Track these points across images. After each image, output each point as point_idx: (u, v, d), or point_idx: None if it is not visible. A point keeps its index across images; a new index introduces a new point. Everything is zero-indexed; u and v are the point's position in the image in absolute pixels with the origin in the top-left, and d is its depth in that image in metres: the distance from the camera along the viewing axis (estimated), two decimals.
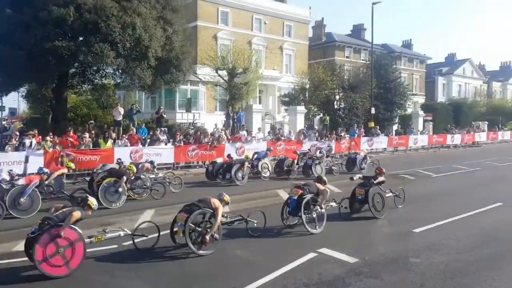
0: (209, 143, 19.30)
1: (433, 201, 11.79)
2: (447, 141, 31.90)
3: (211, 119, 27.60)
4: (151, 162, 13.54)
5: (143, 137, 18.56)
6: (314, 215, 8.26)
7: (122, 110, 19.90)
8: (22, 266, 6.34)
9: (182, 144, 18.59)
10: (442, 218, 9.33)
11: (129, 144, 17.38)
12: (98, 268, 6.37)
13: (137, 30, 17.60)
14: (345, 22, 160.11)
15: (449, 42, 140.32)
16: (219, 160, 16.18)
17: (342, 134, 26.16)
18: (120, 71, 20.31)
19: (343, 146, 25.11)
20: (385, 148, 28.22)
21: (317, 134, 25.61)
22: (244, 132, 22.25)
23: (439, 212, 9.98)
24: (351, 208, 9.80)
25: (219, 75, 26.99)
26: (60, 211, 6.26)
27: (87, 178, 12.84)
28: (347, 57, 45.76)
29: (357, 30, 51.92)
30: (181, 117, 28.47)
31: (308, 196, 8.30)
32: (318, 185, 8.79)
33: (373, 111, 31.01)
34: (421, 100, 53.00)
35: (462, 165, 19.52)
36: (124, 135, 18.34)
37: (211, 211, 7.03)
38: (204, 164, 18.94)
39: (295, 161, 16.90)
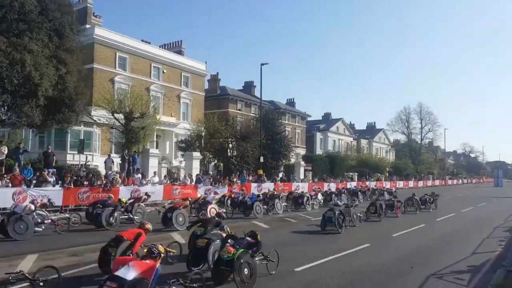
0: (102, 186, 18.16)
1: (312, 241, 12.70)
2: (324, 189, 34.91)
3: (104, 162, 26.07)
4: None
5: (28, 178, 16.70)
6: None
7: (5, 149, 17.72)
8: None
9: (72, 186, 17.15)
10: (320, 257, 9.99)
11: (10, 185, 15.44)
12: None
13: (26, 68, 16.47)
14: (237, 78, 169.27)
15: (326, 102, 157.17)
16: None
17: (234, 179, 27.00)
18: (5, 107, 18.33)
19: (234, 190, 25.79)
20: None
21: (211, 179, 25.99)
22: (139, 175, 21.51)
23: (316, 252, 10.73)
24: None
25: (115, 118, 25.93)
26: None
27: None
28: (239, 109, 47.87)
29: (248, 86, 55.05)
30: (73, 158, 26.34)
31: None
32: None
33: (261, 159, 32.73)
34: (302, 151, 57.16)
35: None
36: (5, 175, 16.23)
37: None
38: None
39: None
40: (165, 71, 37.45)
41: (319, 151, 61.96)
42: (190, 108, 40.47)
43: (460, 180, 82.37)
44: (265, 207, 19.24)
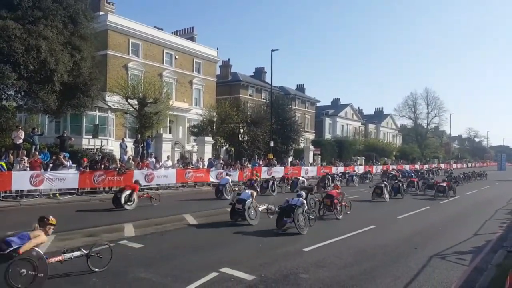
0: (117, 169, 18.23)
1: (319, 224, 12.58)
2: (332, 171, 34.71)
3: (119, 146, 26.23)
4: None
5: (45, 162, 16.81)
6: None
7: (22, 134, 17.83)
8: None
9: (88, 170, 17.26)
10: (327, 238, 9.99)
11: (28, 169, 15.57)
12: None
13: (42, 53, 16.34)
14: (248, 64, 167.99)
15: (335, 88, 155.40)
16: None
17: (246, 164, 26.96)
18: (22, 93, 18.37)
19: (245, 174, 25.80)
20: (282, 177, 29.58)
21: (223, 163, 25.99)
22: (153, 159, 21.57)
23: (325, 233, 10.68)
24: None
25: (129, 104, 25.95)
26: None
27: None
28: (250, 95, 47.58)
29: (259, 72, 54.58)
30: (88, 142, 26.50)
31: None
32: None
33: (272, 144, 32.57)
34: (311, 136, 56.88)
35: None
36: (22, 158, 16.36)
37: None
38: (111, 190, 17.78)
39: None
40: (177, 57, 37.22)
41: (327, 135, 61.61)
42: (202, 94, 40.30)
43: (465, 164, 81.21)
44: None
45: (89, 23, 20.38)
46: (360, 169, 39.74)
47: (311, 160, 39.56)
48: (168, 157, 23.97)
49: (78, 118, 25.84)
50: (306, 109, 58.76)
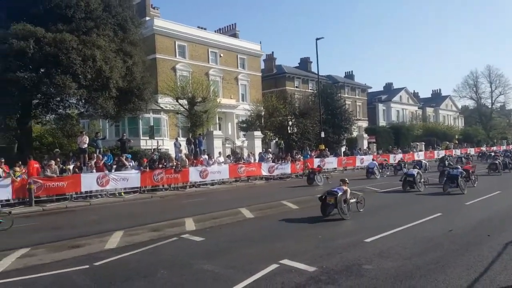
0: (174, 167, 19.11)
1: (380, 213, 12.26)
2: (390, 160, 33.49)
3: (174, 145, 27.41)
4: None
5: (109, 163, 18.05)
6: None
7: (87, 139, 19.30)
8: None
9: (147, 169, 18.26)
10: (390, 228, 9.66)
11: (94, 171, 16.80)
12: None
13: (97, 62, 17.42)
14: (293, 55, 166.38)
15: (386, 72, 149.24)
16: None
17: (297, 156, 26.90)
18: (83, 101, 19.80)
19: (298, 166, 25.74)
20: (335, 168, 29.14)
21: (273, 157, 26.14)
22: (206, 156, 22.25)
23: (387, 223, 10.37)
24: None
25: (179, 104, 26.96)
26: None
27: None
28: (296, 87, 47.22)
29: (304, 63, 53.89)
30: (145, 143, 27.99)
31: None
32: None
33: (322, 135, 32.14)
34: (364, 124, 55.30)
35: (371, 185, 20.02)
36: (89, 162, 17.71)
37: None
38: (170, 187, 18.71)
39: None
40: (222, 55, 37.90)
41: (382, 122, 59.62)
42: (248, 89, 40.70)
43: None
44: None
45: (137, 29, 21.42)
46: (421, 155, 37.99)
47: (365, 149, 38.49)
48: (219, 153, 24.60)
49: (135, 121, 27.37)
50: (357, 97, 57.20)
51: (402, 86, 68.09)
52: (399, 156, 34.60)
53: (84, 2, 18.03)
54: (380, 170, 24.87)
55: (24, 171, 15.35)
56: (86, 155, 18.62)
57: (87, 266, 7.06)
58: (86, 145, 19.09)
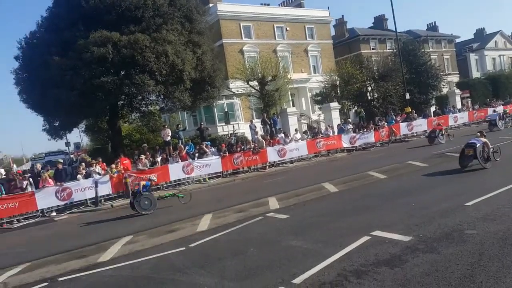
0: (252, 149, 19.56)
1: (481, 174, 11.21)
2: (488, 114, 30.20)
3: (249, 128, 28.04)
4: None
5: (191, 152, 19.15)
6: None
7: (169, 131, 20.70)
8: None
9: (227, 154, 18.98)
10: (492, 189, 8.84)
11: (179, 160, 17.99)
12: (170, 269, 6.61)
13: (169, 57, 18.25)
14: (365, 15, 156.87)
15: (475, 17, 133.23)
16: None
17: (380, 123, 25.64)
18: (161, 96, 21.11)
19: (383, 134, 24.58)
20: (425, 130, 27.17)
21: (354, 127, 25.28)
22: (282, 135, 22.34)
23: (488, 184, 9.49)
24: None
25: (250, 86, 27.31)
26: None
27: None
28: (372, 48, 44.76)
29: (379, 21, 50.75)
30: (222, 129, 29.08)
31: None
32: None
33: (407, 96, 30.09)
34: (455, 79, 50.66)
35: (509, 136, 18.45)
36: (173, 153, 19.03)
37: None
38: (250, 169, 19.30)
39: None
40: (288, 28, 37.25)
41: (475, 74, 53.94)
42: (320, 60, 39.60)
43: None
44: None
45: (202, 18, 21.98)
46: None
47: (459, 106, 35.13)
48: (296, 130, 24.49)
49: (210, 109, 28.53)
50: (443, 49, 52.39)
51: (496, 30, 60.85)
52: (500, 109, 30.99)
53: (151, 0, 18.94)
54: (504, 121, 24.61)
55: (120, 167, 16.98)
56: (171, 147, 19.95)
57: (183, 248, 7.63)
58: (169, 138, 20.46)
